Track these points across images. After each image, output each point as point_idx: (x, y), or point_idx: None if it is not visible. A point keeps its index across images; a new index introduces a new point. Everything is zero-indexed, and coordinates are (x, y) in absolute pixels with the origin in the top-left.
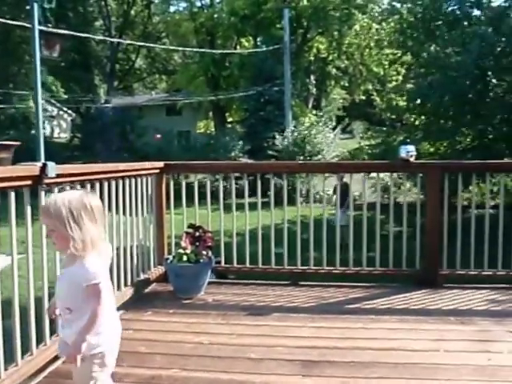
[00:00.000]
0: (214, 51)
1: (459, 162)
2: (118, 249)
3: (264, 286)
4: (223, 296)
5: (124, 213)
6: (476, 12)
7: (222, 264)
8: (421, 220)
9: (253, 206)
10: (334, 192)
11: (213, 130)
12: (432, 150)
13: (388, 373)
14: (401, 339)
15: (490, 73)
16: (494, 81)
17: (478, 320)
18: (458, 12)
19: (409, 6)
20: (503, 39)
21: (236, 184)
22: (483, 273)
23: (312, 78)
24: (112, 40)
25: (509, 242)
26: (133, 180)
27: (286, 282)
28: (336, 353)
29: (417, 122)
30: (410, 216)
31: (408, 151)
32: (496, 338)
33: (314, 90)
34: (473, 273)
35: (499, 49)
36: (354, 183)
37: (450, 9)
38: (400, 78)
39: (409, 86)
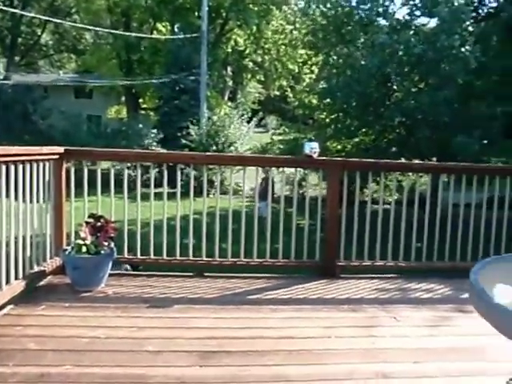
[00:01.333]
0: (128, 33)
1: (357, 160)
2: (7, 238)
3: (168, 278)
4: (125, 288)
5: (16, 199)
6: (382, 21)
7: (126, 255)
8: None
9: (165, 196)
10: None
11: (125, 115)
12: (340, 147)
13: (283, 360)
14: (297, 327)
15: (392, 77)
16: (395, 86)
17: (367, 307)
18: (365, 20)
19: (322, 9)
20: (402, 47)
21: (147, 173)
22: (375, 264)
23: (229, 69)
24: (13, 11)
25: (398, 236)
26: (27, 165)
27: (190, 274)
28: (234, 342)
29: (327, 120)
30: (316, 210)
31: (312, 148)
32: (381, 324)
33: (231, 82)
34: (366, 264)
35: (399, 56)
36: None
37: (357, 17)
38: (313, 76)
39: (321, 85)
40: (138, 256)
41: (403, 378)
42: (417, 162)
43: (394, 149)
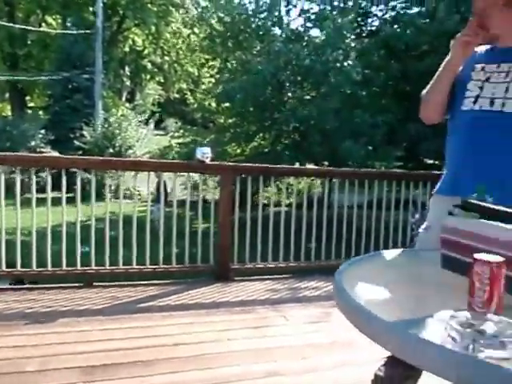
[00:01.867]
0: (11, 24)
1: (248, 165)
2: None
3: (54, 290)
4: (3, 304)
5: None
6: (278, 30)
7: (3, 268)
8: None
9: (49, 202)
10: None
11: (9, 114)
12: (239, 151)
13: (178, 367)
14: (191, 333)
15: (287, 84)
16: (289, 94)
17: (259, 308)
18: (261, 28)
19: (219, 15)
20: (294, 57)
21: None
22: (268, 265)
23: (127, 69)
24: None
25: (289, 238)
26: None
27: (78, 284)
28: (124, 354)
29: (226, 124)
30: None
31: (203, 153)
32: (272, 324)
33: (129, 82)
34: (259, 266)
35: (293, 65)
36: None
37: (253, 25)
38: (212, 80)
39: (219, 89)
40: (18, 268)
41: (292, 375)
42: (310, 166)
43: (289, 152)
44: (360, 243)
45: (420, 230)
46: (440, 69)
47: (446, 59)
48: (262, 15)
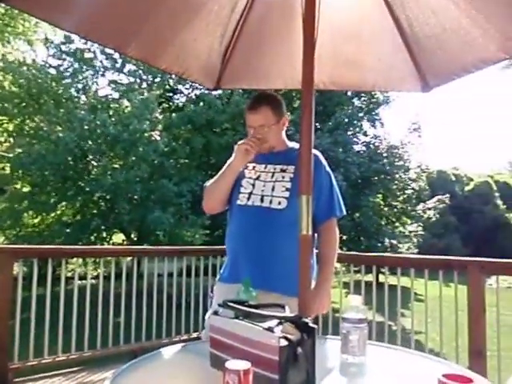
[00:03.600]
0: None
1: (33, 246)
2: None
3: None
4: None
5: None
6: (83, 97)
7: None
8: None
9: None
10: None
11: None
12: (37, 220)
13: None
14: None
15: (89, 155)
16: (94, 162)
17: None
18: (63, 94)
19: (13, 76)
20: (99, 126)
21: None
22: (57, 359)
23: None
24: None
25: (83, 323)
26: None
27: None
28: None
29: (24, 190)
30: None
31: None
32: None
33: None
34: (47, 360)
35: (98, 134)
36: None
37: (55, 89)
38: (7, 143)
39: (13, 153)
40: None
41: None
42: (116, 246)
43: (95, 223)
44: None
45: (206, 317)
46: (224, 167)
47: (230, 160)
48: (65, 81)
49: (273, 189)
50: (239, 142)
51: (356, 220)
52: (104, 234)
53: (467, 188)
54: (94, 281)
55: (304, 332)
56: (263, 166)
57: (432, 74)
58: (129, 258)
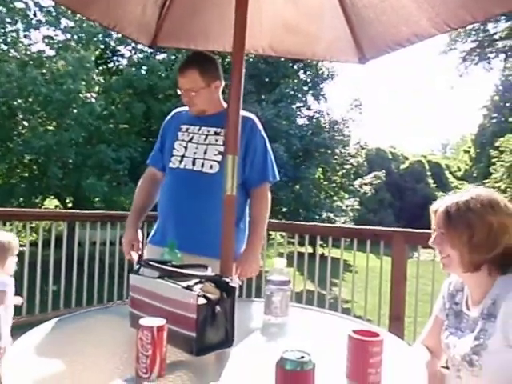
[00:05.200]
0: None
1: None
2: None
3: None
4: None
5: None
6: (12, 51)
7: None
8: None
9: None
10: None
11: None
12: None
13: None
14: None
15: (19, 114)
16: (25, 122)
17: None
18: None
19: None
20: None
21: None
22: None
23: None
24: None
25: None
26: None
27: None
28: None
29: None
30: None
31: None
32: None
33: None
34: None
35: (28, 92)
36: None
37: None
38: None
39: None
40: None
41: None
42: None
43: (24, 186)
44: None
45: None
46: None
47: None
48: None
49: (205, 152)
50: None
51: (296, 192)
52: (36, 200)
53: (402, 166)
54: (22, 248)
55: (224, 291)
56: (197, 127)
57: (369, 45)
58: (59, 224)
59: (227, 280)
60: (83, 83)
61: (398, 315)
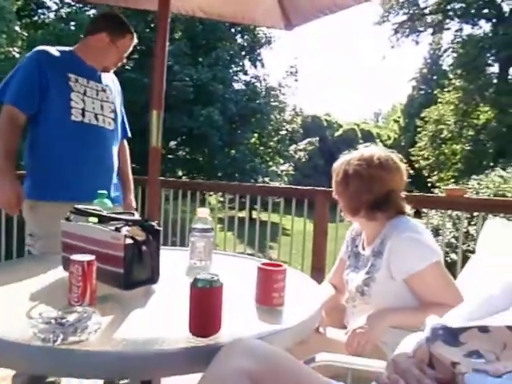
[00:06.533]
0: None
1: None
2: None
3: None
4: None
5: None
6: None
7: None
8: None
9: None
10: None
11: None
12: None
13: None
14: None
15: None
16: None
17: None
18: None
19: None
20: None
21: None
22: None
23: None
24: None
25: None
26: None
27: None
28: None
29: None
30: None
31: None
32: None
33: None
34: None
35: None
36: None
37: None
38: None
39: None
40: None
41: None
42: None
43: None
44: None
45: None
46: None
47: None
48: None
49: (102, 108)
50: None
51: (231, 157)
52: None
53: (336, 134)
54: None
55: (150, 233)
56: (85, 80)
57: (294, 12)
58: None
59: (153, 223)
60: (4, 36)
61: (320, 266)
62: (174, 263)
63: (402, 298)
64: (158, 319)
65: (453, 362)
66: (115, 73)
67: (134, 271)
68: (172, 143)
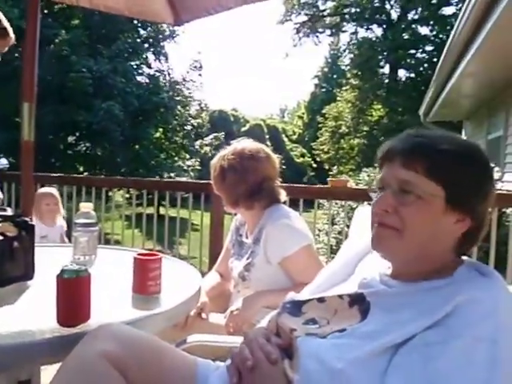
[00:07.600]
0: None
1: None
2: None
3: None
4: None
5: None
6: None
7: None
8: None
9: None
10: None
11: None
12: None
13: None
14: None
15: None
16: None
17: None
18: None
19: None
20: None
21: None
22: None
23: None
24: None
25: None
26: None
27: None
28: None
29: None
30: None
31: None
32: None
33: None
34: None
35: None
36: None
37: None
38: None
39: None
40: None
41: None
42: None
43: None
44: None
45: None
46: None
47: None
48: None
49: None
50: None
51: (135, 152)
52: None
53: (243, 129)
54: None
55: (23, 229)
56: None
57: (183, 9)
58: None
59: (26, 219)
60: None
61: (217, 255)
62: (57, 260)
63: (278, 280)
64: (29, 313)
65: (291, 328)
66: None
67: (6, 269)
68: (70, 138)
